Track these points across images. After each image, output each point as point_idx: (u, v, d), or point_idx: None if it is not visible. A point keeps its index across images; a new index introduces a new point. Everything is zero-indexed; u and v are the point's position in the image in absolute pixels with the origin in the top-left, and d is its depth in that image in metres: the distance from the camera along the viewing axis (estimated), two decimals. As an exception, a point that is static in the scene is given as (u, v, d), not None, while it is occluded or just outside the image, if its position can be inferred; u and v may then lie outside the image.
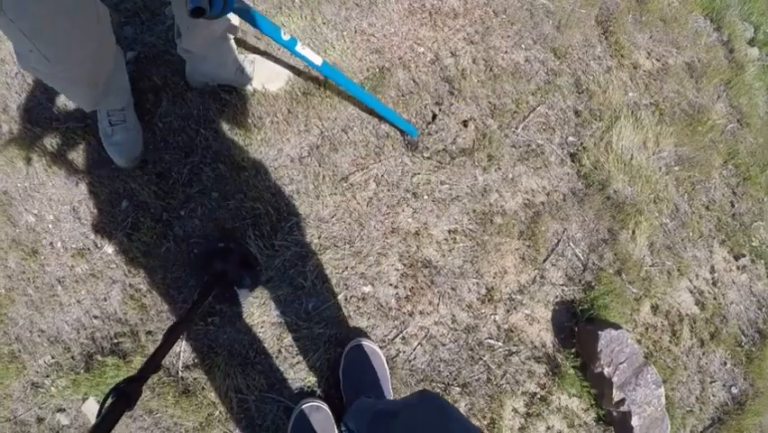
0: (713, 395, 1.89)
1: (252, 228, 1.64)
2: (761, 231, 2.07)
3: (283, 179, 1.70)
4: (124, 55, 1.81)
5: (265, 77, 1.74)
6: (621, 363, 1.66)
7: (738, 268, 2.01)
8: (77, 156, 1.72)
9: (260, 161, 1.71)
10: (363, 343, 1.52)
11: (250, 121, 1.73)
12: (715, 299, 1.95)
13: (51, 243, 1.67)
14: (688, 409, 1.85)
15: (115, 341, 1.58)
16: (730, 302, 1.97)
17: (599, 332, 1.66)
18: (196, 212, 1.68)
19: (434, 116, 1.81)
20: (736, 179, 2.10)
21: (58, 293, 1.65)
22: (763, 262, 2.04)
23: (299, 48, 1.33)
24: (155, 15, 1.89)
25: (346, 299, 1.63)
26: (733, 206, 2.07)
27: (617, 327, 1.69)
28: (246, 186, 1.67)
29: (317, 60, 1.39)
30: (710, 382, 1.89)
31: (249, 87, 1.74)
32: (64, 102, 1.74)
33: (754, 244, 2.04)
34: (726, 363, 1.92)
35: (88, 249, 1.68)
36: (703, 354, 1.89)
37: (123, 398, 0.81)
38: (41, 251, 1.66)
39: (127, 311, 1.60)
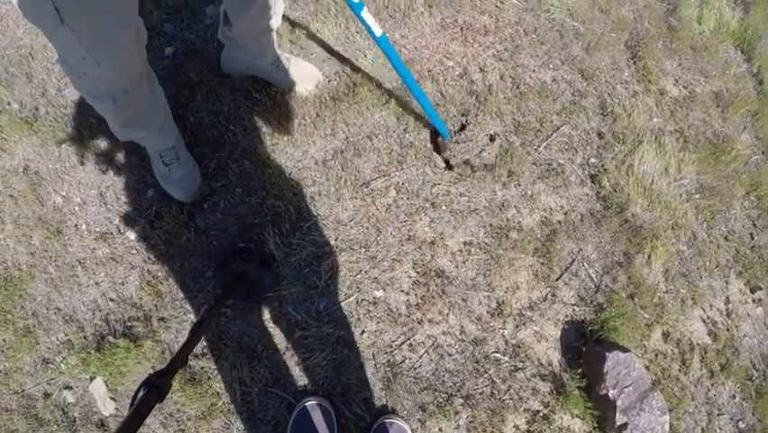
0: (719, 428, 1.84)
1: (272, 225, 1.65)
2: (779, 266, 2.03)
3: (306, 180, 1.71)
4: (163, 50, 1.85)
5: (298, 76, 1.75)
6: (627, 387, 1.63)
7: (754, 301, 1.97)
8: (109, 143, 1.75)
9: (285, 161, 1.73)
10: (394, 421, 1.50)
11: (278, 121, 1.75)
12: (728, 330, 1.91)
13: (76, 224, 1.70)
14: (693, 440, 1.80)
15: (128, 324, 1.59)
16: (743, 335, 1.92)
17: (607, 353, 1.63)
18: (219, 206, 1.70)
19: (463, 127, 1.81)
20: (758, 211, 2.06)
21: (77, 274, 1.68)
22: (781, 297, 1.99)
23: (364, 13, 1.31)
24: (195, 14, 1.93)
25: (357, 302, 1.63)
26: (752, 238, 2.03)
27: (625, 349, 1.66)
28: (269, 184, 1.69)
29: (378, 31, 1.36)
30: (718, 415, 1.84)
31: (280, 87, 1.76)
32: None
33: (772, 279, 2.00)
34: (734, 397, 1.87)
35: (111, 233, 1.71)
36: (712, 385, 1.85)
37: (155, 390, 0.83)
38: (66, 231, 1.69)
39: (143, 297, 1.61)
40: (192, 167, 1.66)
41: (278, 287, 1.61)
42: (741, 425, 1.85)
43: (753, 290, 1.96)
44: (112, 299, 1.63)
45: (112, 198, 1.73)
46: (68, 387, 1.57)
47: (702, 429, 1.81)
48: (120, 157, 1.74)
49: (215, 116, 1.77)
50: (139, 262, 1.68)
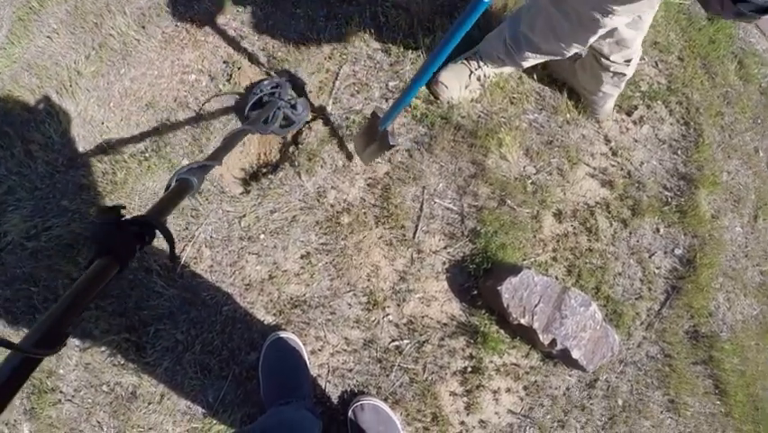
0: (657, 268, 1.62)
1: (122, 356, 1.40)
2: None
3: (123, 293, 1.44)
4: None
5: None
6: (536, 306, 1.42)
7: (635, 123, 1.67)
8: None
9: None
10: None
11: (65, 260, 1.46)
12: (622, 169, 1.63)
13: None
14: (636, 296, 1.59)
15: None
16: (640, 163, 1.64)
17: (499, 287, 1.42)
18: (69, 367, 1.47)
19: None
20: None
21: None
22: (659, 101, 1.69)
23: None
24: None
25: (237, 375, 1.41)
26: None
27: (516, 270, 1.43)
28: (95, 318, 1.43)
29: None
30: (649, 257, 1.62)
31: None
32: None
33: (642, 88, 1.68)
34: (658, 230, 1.62)
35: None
36: (630, 233, 1.61)
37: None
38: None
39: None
40: None
41: (159, 404, 1.41)
42: (678, 251, 1.62)
43: (629, 113, 1.66)
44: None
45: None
46: None
47: (640, 280, 1.60)
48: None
49: (13, 284, 1.48)
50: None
